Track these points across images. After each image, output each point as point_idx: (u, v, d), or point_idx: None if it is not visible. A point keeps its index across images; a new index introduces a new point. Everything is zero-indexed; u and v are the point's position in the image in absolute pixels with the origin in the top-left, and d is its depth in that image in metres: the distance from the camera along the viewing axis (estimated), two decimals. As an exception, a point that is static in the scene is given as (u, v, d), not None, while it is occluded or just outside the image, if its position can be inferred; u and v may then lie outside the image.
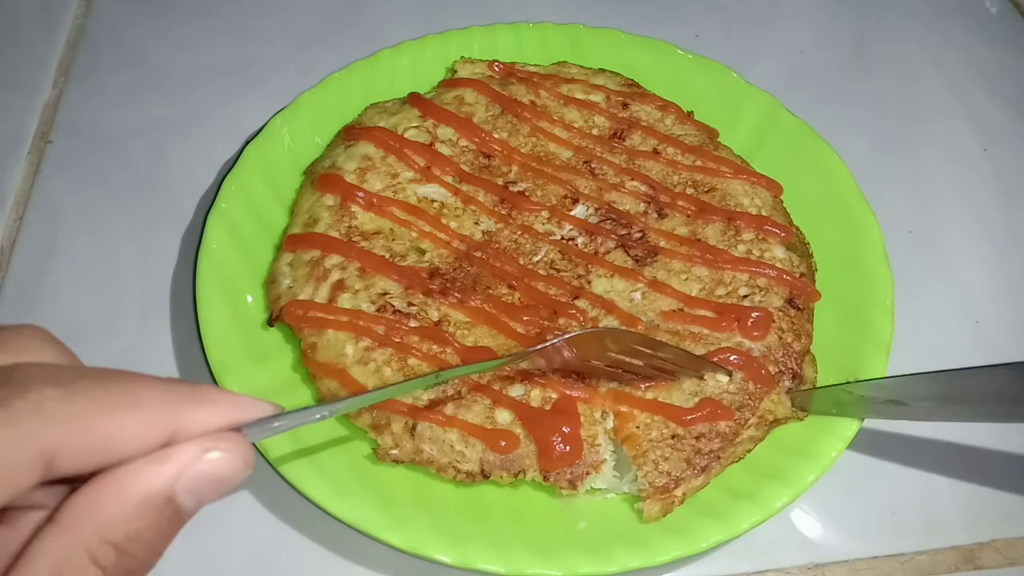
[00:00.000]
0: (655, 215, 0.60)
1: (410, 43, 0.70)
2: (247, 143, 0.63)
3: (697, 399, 0.52)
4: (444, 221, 0.59)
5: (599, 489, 0.51)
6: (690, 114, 0.67)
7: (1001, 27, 0.86)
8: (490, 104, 0.65)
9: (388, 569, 0.52)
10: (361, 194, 0.59)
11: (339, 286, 0.55)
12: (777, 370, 0.54)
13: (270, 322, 0.55)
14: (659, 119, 0.66)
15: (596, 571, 0.47)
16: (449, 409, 0.51)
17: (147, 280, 0.63)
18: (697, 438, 0.51)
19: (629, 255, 0.58)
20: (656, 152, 0.64)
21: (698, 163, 0.63)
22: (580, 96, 0.66)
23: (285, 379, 0.55)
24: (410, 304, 0.55)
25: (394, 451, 0.50)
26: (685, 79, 0.70)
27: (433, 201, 0.60)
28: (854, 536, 0.55)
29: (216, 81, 0.75)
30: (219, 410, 0.28)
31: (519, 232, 0.59)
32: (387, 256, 0.57)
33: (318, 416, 0.33)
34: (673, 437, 0.51)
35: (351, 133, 0.63)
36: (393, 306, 0.54)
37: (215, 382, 0.52)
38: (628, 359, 0.50)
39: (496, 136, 0.63)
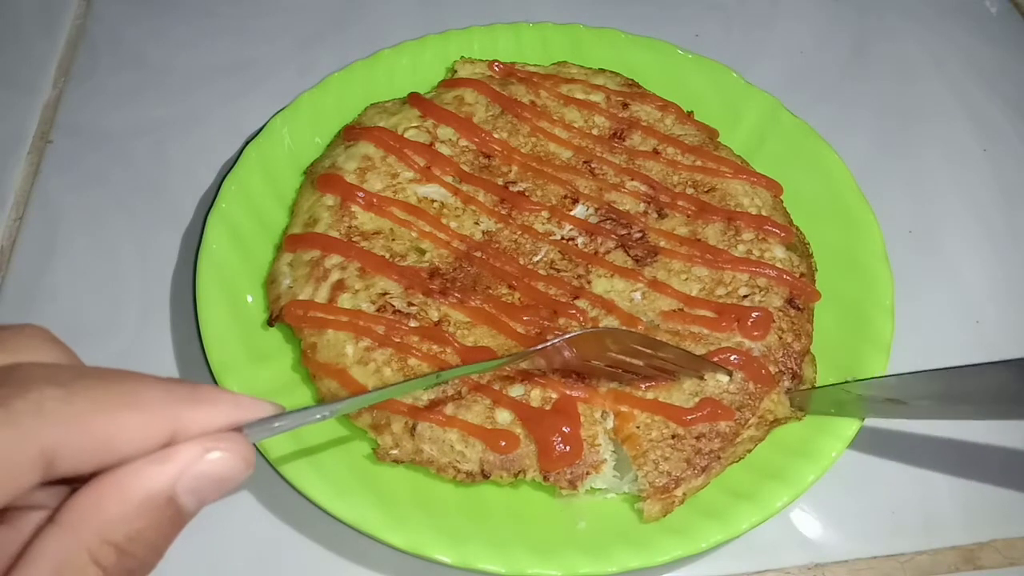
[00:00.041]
0: (655, 215, 0.60)
1: (410, 43, 0.70)
2: (247, 143, 0.63)
3: (697, 399, 0.52)
4: (444, 221, 0.59)
5: (599, 489, 0.51)
6: (690, 114, 0.67)
7: (1001, 27, 0.86)
8: (490, 104, 0.65)
9: (388, 569, 0.52)
10: (361, 194, 0.59)
11: (339, 286, 0.55)
12: (777, 370, 0.54)
13: (270, 322, 0.55)
14: (659, 119, 0.66)
15: (596, 571, 0.47)
16: (449, 409, 0.51)
17: (147, 280, 0.63)
18: (697, 438, 0.51)
19: (629, 255, 0.58)
20: (656, 152, 0.64)
21: (698, 163, 0.63)
22: (580, 96, 0.66)
23: (285, 379, 0.55)
24: (410, 304, 0.55)
25: (394, 451, 0.50)
26: (685, 79, 0.70)
27: (433, 201, 0.60)
28: (854, 536, 0.55)
29: (216, 81, 0.75)
30: (220, 410, 0.28)
31: (519, 232, 0.59)
32: (387, 256, 0.57)
33: (318, 416, 0.33)
34: (673, 437, 0.51)
35: (351, 133, 0.63)
36: (393, 306, 0.54)
37: (215, 382, 0.52)
38: (628, 359, 0.50)
39: (496, 136, 0.63)
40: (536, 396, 0.51)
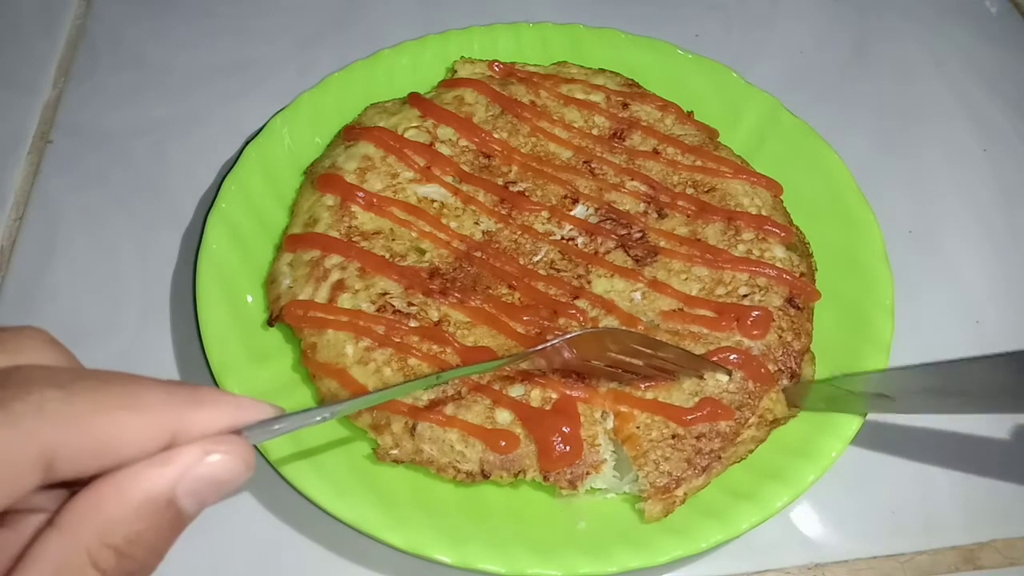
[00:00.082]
0: (655, 215, 0.60)
1: (410, 43, 0.70)
2: (247, 143, 0.63)
3: (697, 399, 0.52)
4: (444, 221, 0.59)
5: (599, 489, 0.51)
6: (690, 114, 0.67)
7: (1001, 27, 0.86)
8: (490, 104, 0.65)
9: (388, 569, 0.52)
10: (361, 194, 0.59)
11: (339, 286, 0.55)
12: (776, 369, 0.54)
13: (270, 322, 0.55)
14: (659, 119, 0.66)
15: (596, 571, 0.47)
16: (449, 409, 0.51)
17: (147, 280, 0.63)
18: (698, 438, 0.51)
19: (629, 255, 0.58)
20: (656, 152, 0.64)
21: (698, 163, 0.63)
22: (580, 96, 0.66)
23: (285, 379, 0.55)
24: (410, 304, 0.55)
25: (394, 451, 0.50)
26: (685, 79, 0.70)
27: (433, 201, 0.60)
28: (854, 536, 0.55)
29: (216, 81, 0.75)
30: (220, 412, 0.28)
31: (519, 232, 0.59)
32: (387, 256, 0.57)
33: (319, 418, 0.33)
34: (673, 437, 0.51)
35: (351, 133, 0.63)
36: (393, 306, 0.54)
37: (215, 382, 0.52)
38: (628, 359, 0.50)
39: (496, 136, 0.63)
40: (536, 396, 0.51)
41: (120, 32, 0.79)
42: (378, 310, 0.54)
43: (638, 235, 0.59)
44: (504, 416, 0.51)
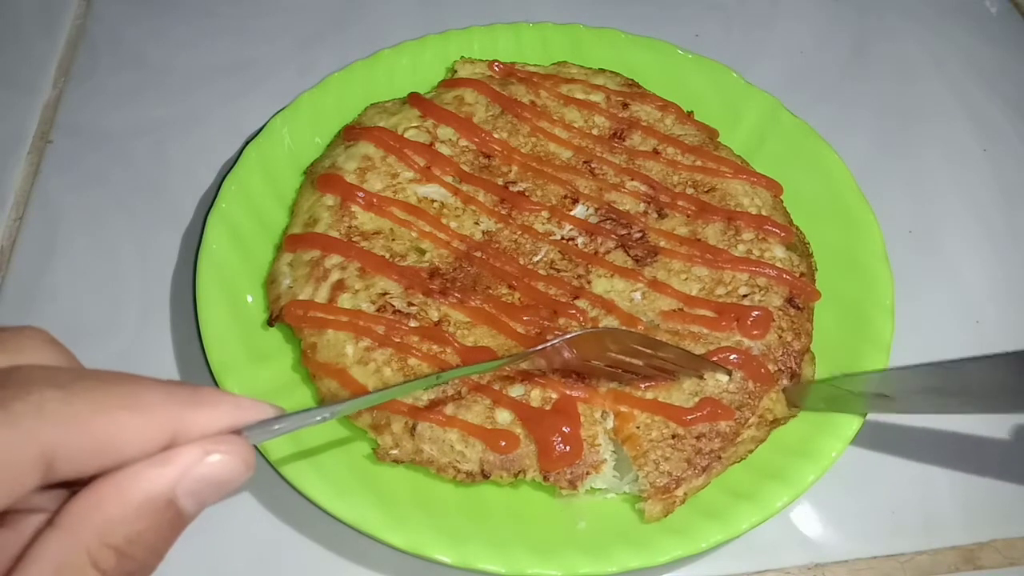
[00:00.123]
0: (655, 215, 0.60)
1: (410, 43, 0.70)
2: (247, 143, 0.63)
3: (697, 399, 0.52)
4: (444, 221, 0.59)
5: (599, 489, 0.51)
6: (690, 114, 0.67)
7: (1001, 27, 0.86)
8: (490, 104, 0.65)
9: (388, 569, 0.52)
10: (361, 194, 0.59)
11: (339, 286, 0.55)
12: (776, 368, 0.54)
13: (270, 322, 0.55)
14: (659, 119, 0.66)
15: (596, 571, 0.47)
16: (449, 409, 0.51)
17: (147, 280, 0.63)
18: (697, 438, 0.51)
19: (629, 255, 0.58)
20: (656, 152, 0.64)
21: (698, 163, 0.63)
22: (580, 96, 0.66)
23: (285, 379, 0.55)
24: (410, 304, 0.55)
25: (394, 451, 0.50)
26: (685, 79, 0.70)
27: (433, 201, 0.60)
28: (854, 536, 0.55)
29: (216, 81, 0.75)
30: (220, 412, 0.28)
31: (519, 232, 0.59)
32: (387, 256, 0.57)
33: (319, 418, 0.33)
34: (673, 437, 0.51)
35: (351, 133, 0.63)
36: (393, 306, 0.54)
37: (215, 382, 0.52)
38: (628, 359, 0.50)
39: (496, 136, 0.63)
40: (536, 396, 0.51)
41: (120, 32, 0.79)
42: (378, 310, 0.54)
43: (638, 235, 0.59)
44: (504, 416, 0.51)
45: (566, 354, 0.49)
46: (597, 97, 0.66)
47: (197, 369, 0.55)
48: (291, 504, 0.52)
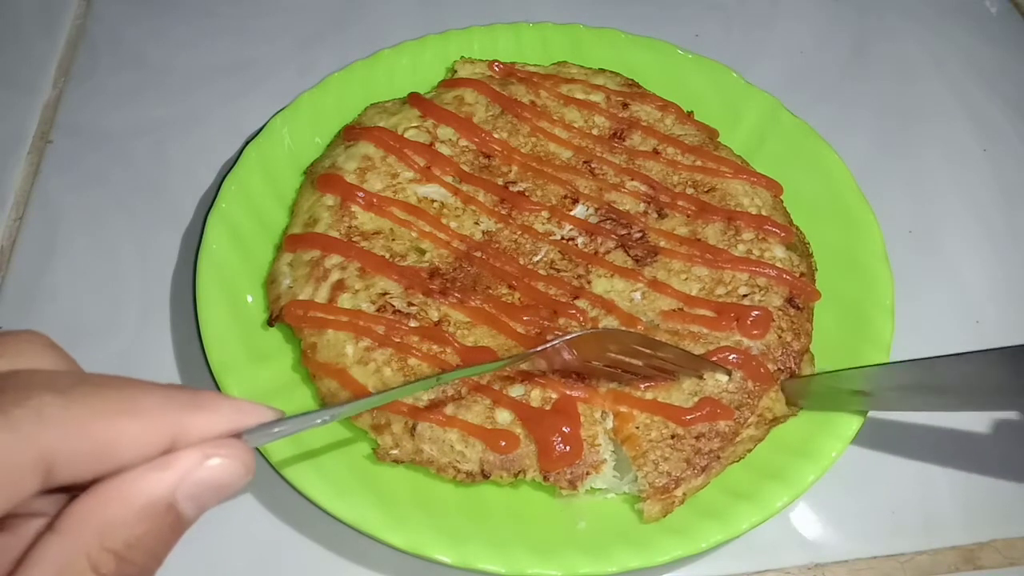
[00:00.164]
0: (655, 215, 0.60)
1: (410, 43, 0.70)
2: (247, 143, 0.63)
3: (696, 399, 0.52)
4: (444, 221, 0.59)
5: (599, 489, 0.52)
6: (690, 114, 0.67)
7: (1001, 27, 0.86)
8: (490, 104, 0.65)
9: (388, 569, 0.52)
10: (361, 194, 0.59)
11: (339, 286, 0.55)
12: (776, 368, 0.54)
13: (270, 322, 0.55)
14: (659, 119, 0.66)
15: (596, 571, 0.47)
16: (449, 409, 0.51)
17: (147, 280, 0.63)
18: (697, 438, 0.51)
19: (629, 255, 0.58)
20: (656, 152, 0.64)
21: (698, 163, 0.63)
22: (580, 96, 0.66)
23: (285, 379, 0.55)
24: (410, 304, 0.55)
25: (394, 451, 0.50)
26: (685, 79, 0.70)
27: (433, 201, 0.60)
28: (854, 536, 0.55)
29: (216, 81, 0.75)
30: (220, 416, 0.28)
31: (519, 232, 0.59)
32: (387, 256, 0.57)
33: (319, 421, 0.33)
34: (673, 437, 0.51)
35: (351, 133, 0.63)
36: (393, 306, 0.54)
37: (215, 382, 0.52)
38: (628, 359, 0.50)
39: (496, 136, 0.63)
40: (536, 396, 0.51)
41: (120, 32, 0.79)
42: (378, 310, 0.54)
43: (638, 235, 0.59)
44: (504, 416, 0.51)
45: (566, 355, 0.49)
46: (597, 97, 0.66)
47: (197, 369, 0.55)
48: (291, 504, 0.52)
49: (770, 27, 0.84)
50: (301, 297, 0.55)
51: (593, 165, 0.63)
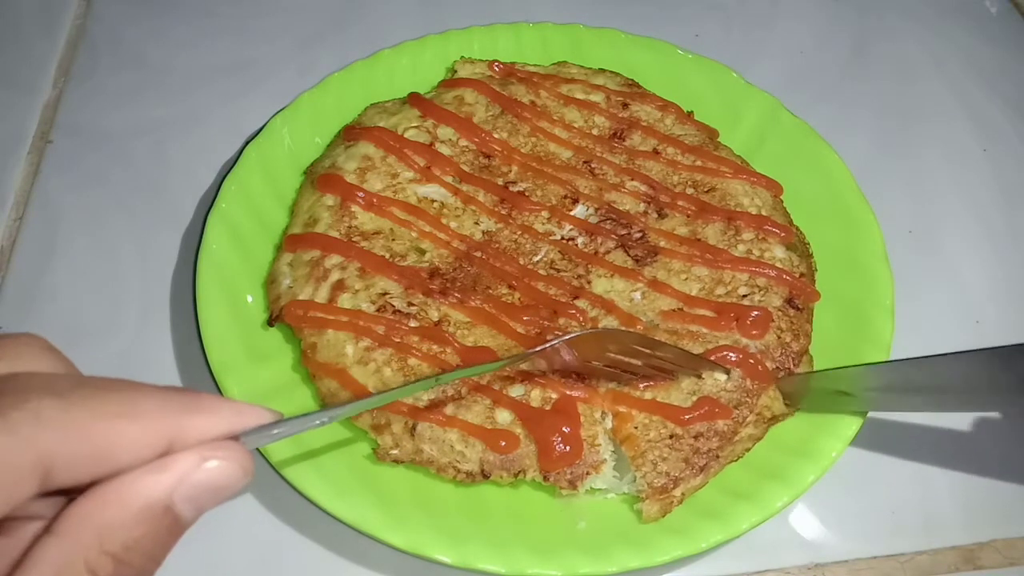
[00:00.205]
0: (655, 215, 0.60)
1: (410, 43, 0.70)
2: (247, 143, 0.63)
3: (695, 398, 0.52)
4: (444, 221, 0.59)
5: (599, 489, 0.51)
6: (690, 114, 0.67)
7: (1001, 27, 0.86)
8: (490, 104, 0.65)
9: (388, 569, 0.52)
10: (361, 194, 0.59)
11: (339, 286, 0.55)
12: (774, 367, 0.54)
13: (270, 322, 0.55)
14: (659, 119, 0.66)
15: (596, 571, 0.47)
16: (449, 409, 0.51)
17: (147, 280, 0.63)
18: (695, 437, 0.51)
19: (629, 255, 0.58)
20: (656, 152, 0.64)
21: (698, 163, 0.63)
22: (580, 96, 0.66)
23: (285, 379, 0.55)
24: (410, 304, 0.55)
25: (394, 451, 0.50)
26: (685, 79, 0.70)
27: (433, 201, 0.60)
28: (854, 536, 0.55)
29: (216, 81, 0.75)
30: (218, 418, 0.28)
31: (519, 232, 0.59)
32: (387, 256, 0.57)
33: (317, 422, 0.33)
34: (671, 437, 0.51)
35: (351, 133, 0.63)
36: (393, 306, 0.54)
37: (215, 382, 0.52)
38: (627, 359, 0.50)
39: (496, 136, 0.63)
40: (536, 396, 0.51)
41: (120, 32, 0.79)
42: (378, 310, 0.54)
43: (638, 235, 0.59)
44: (504, 416, 0.51)
45: (565, 354, 0.49)
46: (597, 97, 0.66)
47: (197, 369, 0.55)
48: (291, 504, 0.52)
49: (770, 27, 0.84)
50: (301, 297, 0.55)
51: (593, 165, 0.63)
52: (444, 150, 0.62)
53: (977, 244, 0.70)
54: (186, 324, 0.60)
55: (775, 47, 0.83)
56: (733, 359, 0.53)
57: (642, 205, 0.61)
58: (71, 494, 0.26)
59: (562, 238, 0.59)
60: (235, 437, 0.29)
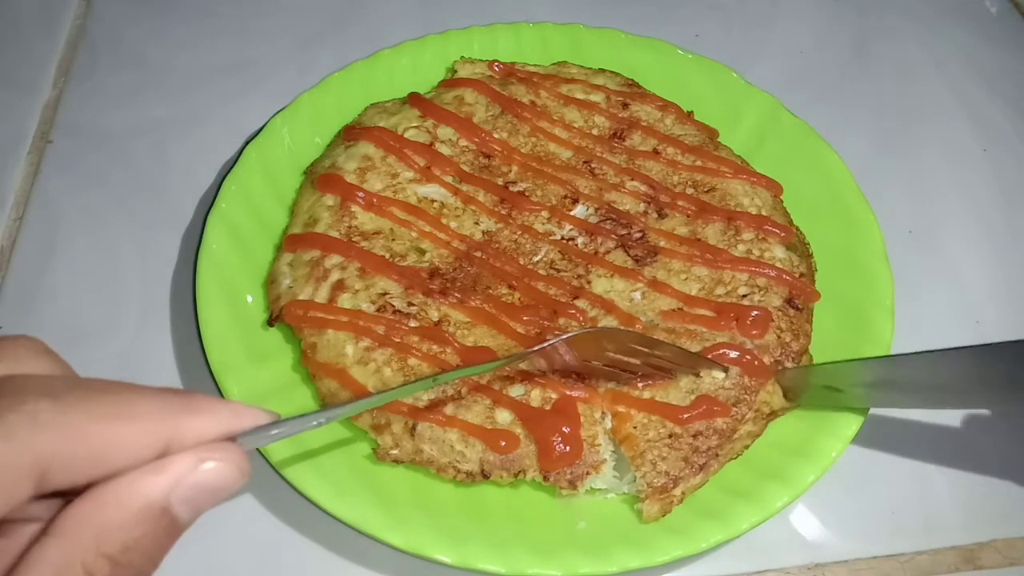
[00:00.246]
0: (655, 215, 0.60)
1: (410, 43, 0.70)
2: (247, 143, 0.63)
3: (693, 396, 0.52)
4: (444, 221, 0.59)
5: (599, 489, 0.51)
6: (690, 114, 0.67)
7: (1001, 27, 0.86)
8: (490, 104, 0.65)
9: (388, 569, 0.52)
10: (361, 194, 0.59)
11: (339, 286, 0.55)
12: (772, 362, 0.54)
13: (270, 322, 0.55)
14: (659, 119, 0.66)
15: (596, 571, 0.47)
16: (449, 409, 0.51)
17: (147, 280, 0.63)
18: (694, 436, 0.51)
19: (629, 255, 0.58)
20: (656, 152, 0.64)
21: (698, 163, 0.63)
22: (580, 96, 0.66)
23: (285, 379, 0.55)
24: (410, 304, 0.55)
25: (394, 451, 0.50)
26: (685, 79, 0.70)
27: (433, 201, 0.60)
28: (854, 536, 0.55)
29: (216, 81, 0.75)
30: (215, 419, 0.28)
31: (519, 232, 0.59)
32: (387, 256, 0.57)
33: (315, 423, 0.33)
34: (670, 436, 0.51)
35: (351, 133, 0.63)
36: (393, 306, 0.54)
37: (215, 382, 0.52)
38: (626, 358, 0.50)
39: (496, 136, 0.63)
40: (536, 396, 0.51)
41: (120, 32, 0.79)
42: (378, 310, 0.54)
43: (638, 235, 0.59)
44: (504, 416, 0.51)
45: (564, 354, 0.49)
46: (597, 97, 0.66)
47: (197, 369, 0.55)
48: (291, 505, 0.52)
49: (770, 27, 0.84)
50: (301, 297, 0.55)
51: (593, 165, 0.63)
52: (444, 150, 0.62)
53: (977, 244, 0.70)
54: (186, 324, 0.60)
55: (775, 47, 0.83)
56: (731, 357, 0.53)
57: (642, 205, 0.61)
58: (68, 496, 0.26)
59: (562, 238, 0.59)
60: (232, 438, 0.29)
